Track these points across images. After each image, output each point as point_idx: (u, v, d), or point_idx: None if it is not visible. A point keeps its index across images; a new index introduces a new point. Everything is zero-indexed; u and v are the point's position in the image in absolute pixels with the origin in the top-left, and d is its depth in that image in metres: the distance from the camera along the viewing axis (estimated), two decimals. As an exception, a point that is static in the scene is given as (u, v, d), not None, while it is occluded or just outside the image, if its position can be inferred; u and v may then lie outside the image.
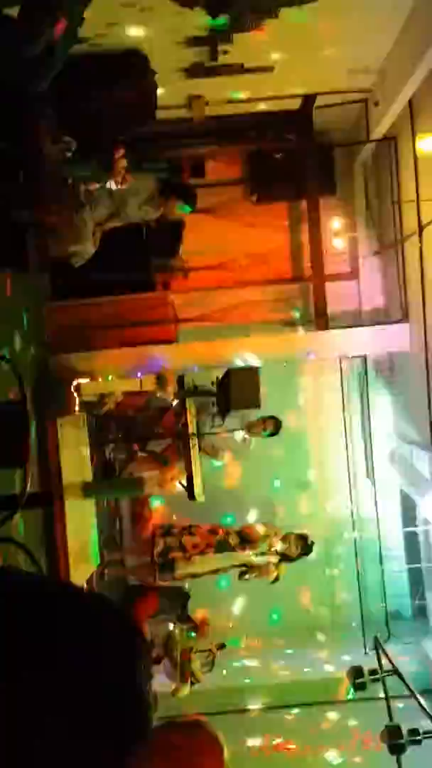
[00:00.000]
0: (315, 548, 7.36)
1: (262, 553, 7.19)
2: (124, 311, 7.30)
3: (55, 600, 1.33)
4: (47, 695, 1.23)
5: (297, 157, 7.66)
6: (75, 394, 6.76)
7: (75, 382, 6.77)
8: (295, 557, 7.34)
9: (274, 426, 7.51)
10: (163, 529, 7.31)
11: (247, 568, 7.02)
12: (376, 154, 7.91)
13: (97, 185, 6.00)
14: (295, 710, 7.09)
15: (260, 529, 7.14)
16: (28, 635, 1.27)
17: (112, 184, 6.02)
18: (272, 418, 7.58)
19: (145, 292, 7.49)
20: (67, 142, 5.94)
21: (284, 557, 7.33)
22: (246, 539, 7.11)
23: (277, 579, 7.04)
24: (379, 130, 7.32)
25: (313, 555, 7.52)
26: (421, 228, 6.76)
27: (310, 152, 7.63)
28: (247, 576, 7.02)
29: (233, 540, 7.15)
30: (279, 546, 7.04)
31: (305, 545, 7.33)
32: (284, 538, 7.23)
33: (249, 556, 7.10)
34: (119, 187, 6.03)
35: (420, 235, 6.80)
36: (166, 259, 7.72)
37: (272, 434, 7.62)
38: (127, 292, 7.37)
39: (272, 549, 7.01)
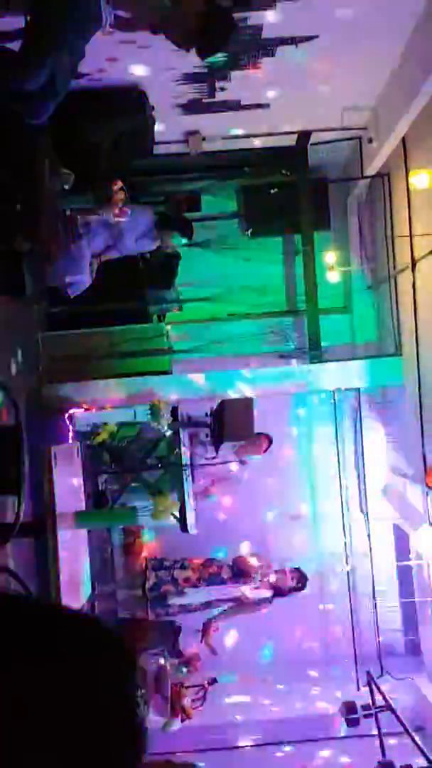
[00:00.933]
0: (308, 583, 7.32)
1: (256, 587, 7.14)
2: (119, 342, 7.34)
3: (54, 619, 1.32)
4: (38, 715, 1.21)
5: (292, 192, 7.76)
6: (69, 424, 6.76)
7: (68, 412, 6.77)
8: (289, 591, 7.29)
9: (266, 442, 7.53)
10: (154, 562, 7.26)
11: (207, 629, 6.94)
12: (370, 190, 8.02)
13: (95, 217, 6.07)
14: (287, 747, 6.98)
15: (253, 562, 7.10)
16: (24, 653, 1.25)
17: (109, 217, 6.10)
18: (262, 434, 7.60)
19: (140, 323, 7.53)
20: (66, 175, 6.02)
21: (277, 591, 7.28)
22: (239, 572, 7.08)
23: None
24: (372, 167, 7.43)
25: (305, 590, 7.48)
26: (414, 262, 6.84)
27: (305, 187, 7.73)
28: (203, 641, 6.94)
29: (226, 573, 7.12)
30: (272, 578, 6.99)
31: (300, 578, 7.28)
32: (278, 571, 7.19)
33: (242, 589, 7.05)
34: (116, 219, 6.10)
35: (413, 269, 6.87)
36: (162, 290, 7.78)
37: (264, 450, 7.62)
38: (122, 323, 7.42)
39: (265, 580, 6.96)
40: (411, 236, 6.87)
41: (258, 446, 7.61)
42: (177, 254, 7.68)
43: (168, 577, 6.92)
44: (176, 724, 6.15)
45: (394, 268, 7.50)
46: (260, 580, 7.06)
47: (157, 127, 6.53)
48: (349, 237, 8.32)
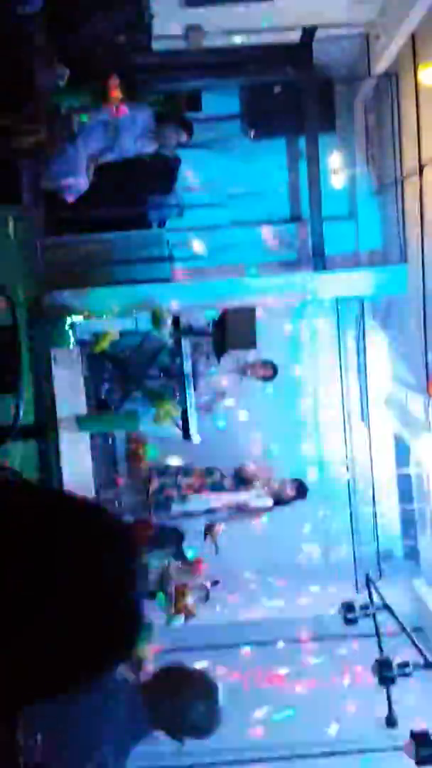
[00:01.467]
0: (309, 490, 7.40)
1: (257, 495, 7.23)
2: (119, 248, 7.19)
3: (56, 503, 1.31)
4: (40, 591, 1.20)
5: (296, 93, 7.45)
6: (70, 332, 6.71)
7: (70, 320, 6.71)
8: (289, 500, 7.39)
9: (271, 371, 7.50)
10: (158, 469, 7.34)
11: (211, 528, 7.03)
12: (378, 90, 7.71)
13: (91, 116, 5.85)
14: (288, 645, 7.20)
15: (255, 470, 7.16)
16: (25, 536, 1.24)
17: (106, 115, 5.88)
18: (269, 363, 7.56)
19: (140, 230, 7.37)
20: (60, 71, 5.78)
21: (278, 500, 7.38)
22: (241, 480, 7.15)
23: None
24: (380, 66, 7.12)
25: (305, 499, 7.59)
26: (421, 167, 6.63)
27: (310, 87, 7.41)
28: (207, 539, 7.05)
29: (228, 481, 7.20)
30: (274, 486, 7.08)
31: (300, 488, 7.37)
32: (279, 482, 7.27)
33: (243, 496, 7.14)
34: (113, 118, 5.88)
35: (420, 174, 6.66)
36: (162, 196, 7.58)
37: (268, 379, 7.62)
38: (121, 229, 7.26)
39: (266, 489, 7.05)
40: (419, 139, 6.63)
41: (263, 373, 7.58)
42: (177, 158, 7.46)
43: (171, 482, 7.01)
44: (179, 620, 6.33)
45: (401, 172, 7.28)
46: (262, 488, 7.15)
47: (156, 21, 6.23)
48: (355, 140, 8.05)
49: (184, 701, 2.20)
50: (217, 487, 7.12)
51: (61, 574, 1.20)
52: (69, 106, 5.81)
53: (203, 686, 2.24)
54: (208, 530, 7.00)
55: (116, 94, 5.73)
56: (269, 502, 7.35)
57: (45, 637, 1.18)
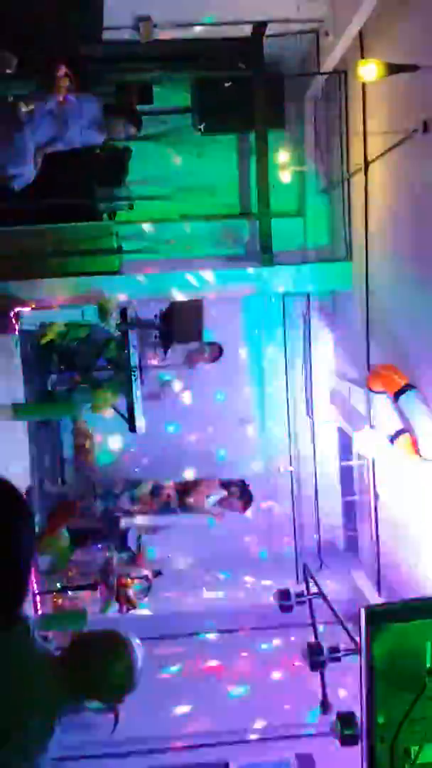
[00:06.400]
0: (253, 480, 7.48)
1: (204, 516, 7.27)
2: (67, 240, 7.17)
3: None
4: None
5: (246, 87, 7.50)
6: (14, 323, 6.67)
7: (14, 310, 6.67)
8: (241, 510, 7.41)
9: (217, 351, 7.56)
10: (102, 491, 7.24)
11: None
12: (327, 87, 7.81)
13: (38, 104, 5.80)
14: (226, 635, 7.29)
15: (201, 489, 7.20)
16: None
17: (53, 105, 5.84)
18: (214, 343, 7.62)
19: (89, 221, 7.35)
20: (8, 58, 5.74)
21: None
22: (186, 503, 7.17)
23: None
24: (329, 63, 7.21)
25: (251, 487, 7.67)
26: (366, 164, 6.75)
27: (260, 82, 7.46)
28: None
29: (174, 503, 7.19)
30: (220, 508, 7.15)
31: (246, 499, 7.37)
32: (223, 499, 7.25)
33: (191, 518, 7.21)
34: (61, 108, 5.85)
35: (365, 171, 6.78)
36: (111, 187, 7.57)
37: (216, 359, 7.67)
38: (70, 221, 7.24)
39: (213, 508, 7.13)
40: (365, 137, 6.75)
41: (209, 355, 7.65)
42: (128, 149, 7.46)
43: (116, 507, 7.02)
44: (114, 607, 6.38)
45: (348, 170, 7.40)
46: (209, 507, 7.20)
47: (107, 11, 6.20)
48: (304, 137, 8.14)
49: (99, 663, 2.21)
50: (164, 510, 7.17)
51: None
52: (16, 95, 5.76)
53: (115, 645, 2.26)
54: (138, 558, 7.04)
55: (64, 83, 5.69)
56: (217, 510, 7.41)
57: None
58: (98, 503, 7.14)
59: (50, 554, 6.42)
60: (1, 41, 5.86)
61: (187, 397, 8.29)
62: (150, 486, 7.15)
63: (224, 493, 7.26)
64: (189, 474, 7.94)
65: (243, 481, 7.51)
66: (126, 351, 7.07)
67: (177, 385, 8.17)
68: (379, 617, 3.01)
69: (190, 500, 7.17)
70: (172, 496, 7.13)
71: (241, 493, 7.34)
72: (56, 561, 6.57)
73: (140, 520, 7.12)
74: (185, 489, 7.29)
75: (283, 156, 7.85)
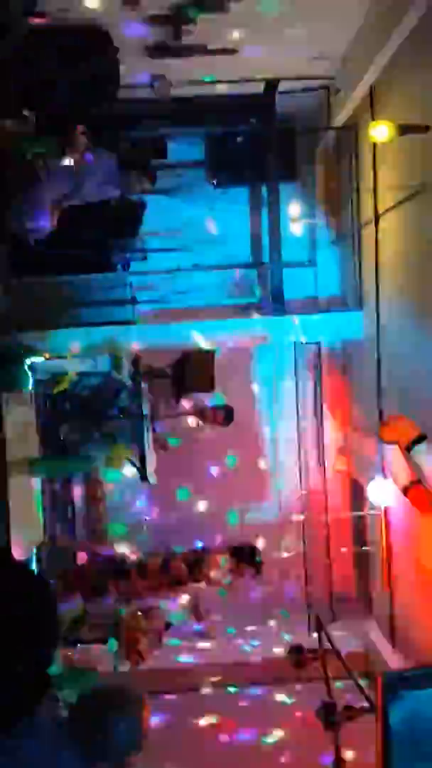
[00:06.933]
0: (264, 531, 7.43)
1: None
2: (82, 290, 7.27)
3: None
4: None
5: (259, 142, 7.67)
6: (29, 373, 6.74)
7: (30, 360, 6.74)
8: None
9: (226, 415, 7.57)
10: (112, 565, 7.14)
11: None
12: (337, 142, 7.96)
13: (56, 161, 5.95)
14: (238, 690, 7.19)
15: (211, 560, 7.11)
16: None
17: (71, 162, 5.99)
18: (225, 407, 7.63)
19: (103, 272, 7.47)
20: (27, 117, 5.90)
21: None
22: (196, 573, 7.08)
23: None
24: (340, 118, 7.38)
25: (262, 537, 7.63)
26: (377, 217, 6.84)
27: (272, 137, 7.64)
28: None
29: (184, 575, 7.08)
30: (230, 577, 7.06)
31: (256, 566, 7.25)
32: (234, 570, 7.14)
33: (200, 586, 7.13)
34: (78, 164, 6.00)
35: (376, 224, 6.88)
36: (126, 239, 7.70)
37: (225, 423, 7.65)
38: (85, 272, 7.35)
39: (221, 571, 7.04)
40: (375, 190, 6.86)
41: (220, 418, 7.59)
42: (142, 202, 7.59)
43: (127, 587, 6.90)
44: (126, 665, 6.29)
45: (359, 222, 7.50)
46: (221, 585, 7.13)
47: (122, 71, 6.38)
48: (316, 189, 8.28)
49: (104, 722, 2.15)
50: (175, 583, 7.08)
51: None
52: (35, 152, 5.91)
53: (121, 702, 2.22)
54: (150, 612, 6.92)
55: (81, 141, 5.85)
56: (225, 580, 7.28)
57: None
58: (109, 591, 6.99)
59: (64, 619, 6.30)
60: (19, 100, 6.02)
61: (197, 450, 8.30)
62: (160, 561, 7.02)
63: (234, 562, 7.11)
64: (199, 536, 7.85)
65: (254, 548, 7.36)
66: (138, 400, 7.11)
67: (188, 435, 8.18)
68: (395, 685, 2.97)
69: (200, 574, 7.05)
70: (183, 571, 7.01)
71: (251, 559, 7.18)
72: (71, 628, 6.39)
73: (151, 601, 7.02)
74: (195, 560, 7.13)
75: (294, 207, 7.98)
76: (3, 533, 5.08)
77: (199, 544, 7.59)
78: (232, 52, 6.57)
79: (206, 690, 7.11)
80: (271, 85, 7.41)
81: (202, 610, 7.07)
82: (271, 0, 5.75)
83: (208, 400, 7.68)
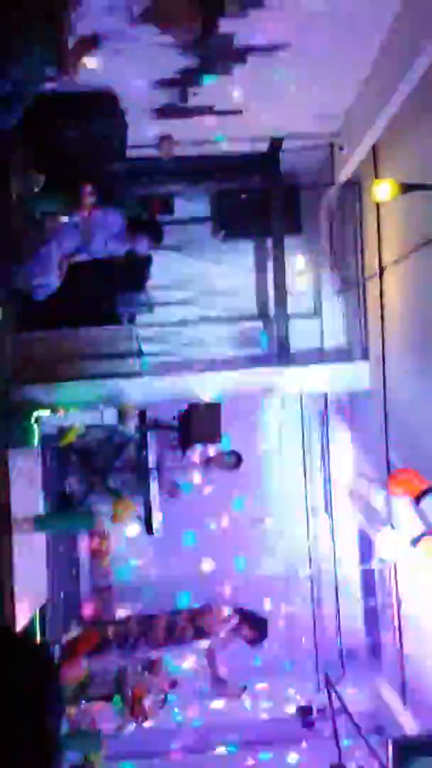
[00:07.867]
0: (271, 584, 7.35)
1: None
2: (89, 344, 7.33)
3: None
4: None
5: (264, 197, 7.80)
6: (36, 426, 6.77)
7: (36, 414, 6.77)
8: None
9: (234, 460, 7.57)
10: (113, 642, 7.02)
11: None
12: (341, 197, 8.08)
13: (64, 219, 6.07)
14: (246, 749, 7.05)
15: (215, 616, 7.00)
16: None
17: (79, 219, 6.11)
18: (234, 452, 7.64)
19: (110, 326, 7.53)
20: (36, 176, 6.03)
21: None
22: (201, 629, 6.98)
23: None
24: (343, 174, 7.50)
25: (269, 591, 7.54)
26: (381, 270, 6.92)
27: (277, 193, 7.78)
28: None
29: (189, 633, 6.97)
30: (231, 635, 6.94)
31: (259, 631, 7.09)
32: (234, 628, 7.00)
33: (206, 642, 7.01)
34: (86, 222, 6.11)
35: (380, 277, 6.95)
36: (132, 293, 7.79)
37: (233, 468, 7.67)
38: (92, 325, 7.41)
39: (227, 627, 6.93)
40: (380, 244, 6.95)
41: (228, 464, 7.61)
42: (148, 257, 7.70)
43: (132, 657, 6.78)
44: (131, 726, 6.17)
45: (363, 274, 7.58)
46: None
47: (129, 131, 6.53)
48: (320, 242, 8.38)
49: None
50: (180, 642, 6.97)
51: None
52: (43, 211, 6.03)
53: None
54: (154, 668, 6.80)
55: (89, 200, 5.98)
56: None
57: None
58: (114, 651, 6.86)
59: (69, 685, 6.16)
60: (28, 160, 6.16)
61: (203, 500, 8.27)
62: (164, 622, 6.91)
63: (236, 621, 6.96)
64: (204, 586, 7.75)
65: (263, 620, 7.22)
66: (144, 452, 7.12)
67: (195, 487, 8.16)
68: (407, 751, 2.92)
69: (203, 630, 6.92)
70: (187, 629, 6.90)
71: (254, 625, 7.02)
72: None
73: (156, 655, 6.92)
74: (199, 619, 7.01)
75: (299, 260, 8.08)
76: (7, 600, 5.02)
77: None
78: (237, 112, 6.73)
79: (218, 750, 6.96)
80: (276, 142, 7.57)
81: (218, 667, 6.88)
82: (274, 63, 5.89)
83: (215, 450, 7.68)
